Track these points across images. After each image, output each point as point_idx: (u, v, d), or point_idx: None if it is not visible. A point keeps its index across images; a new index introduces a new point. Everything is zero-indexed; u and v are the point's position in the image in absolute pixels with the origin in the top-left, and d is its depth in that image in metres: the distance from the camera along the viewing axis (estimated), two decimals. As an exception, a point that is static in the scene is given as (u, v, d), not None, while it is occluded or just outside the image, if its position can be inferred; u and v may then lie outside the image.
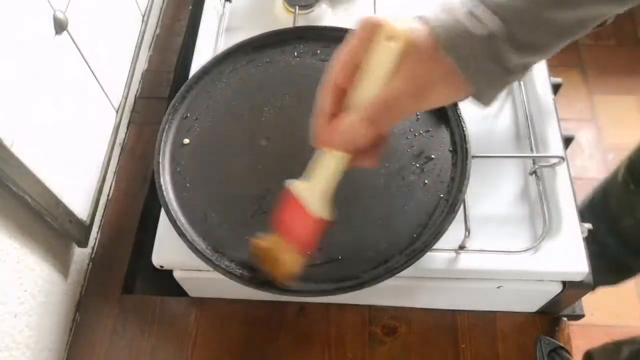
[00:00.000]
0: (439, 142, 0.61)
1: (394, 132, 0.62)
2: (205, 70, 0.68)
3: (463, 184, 0.57)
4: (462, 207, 0.58)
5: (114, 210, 0.74)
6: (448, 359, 0.63)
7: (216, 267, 0.55)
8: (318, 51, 0.70)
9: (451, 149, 0.60)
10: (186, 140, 0.64)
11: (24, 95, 0.54)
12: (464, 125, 0.60)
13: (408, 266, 0.53)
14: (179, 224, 0.57)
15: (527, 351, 0.63)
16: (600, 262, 0.90)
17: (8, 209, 0.54)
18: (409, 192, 0.58)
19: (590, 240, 0.59)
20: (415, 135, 0.62)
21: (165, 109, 0.66)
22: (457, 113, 0.61)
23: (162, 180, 0.60)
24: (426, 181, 0.58)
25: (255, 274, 0.54)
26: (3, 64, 0.51)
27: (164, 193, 0.59)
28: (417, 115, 0.63)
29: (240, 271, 0.55)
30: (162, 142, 0.63)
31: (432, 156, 0.60)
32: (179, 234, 0.56)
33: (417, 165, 0.60)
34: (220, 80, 0.68)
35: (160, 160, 0.61)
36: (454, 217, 0.55)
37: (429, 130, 0.62)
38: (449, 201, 0.56)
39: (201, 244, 0.56)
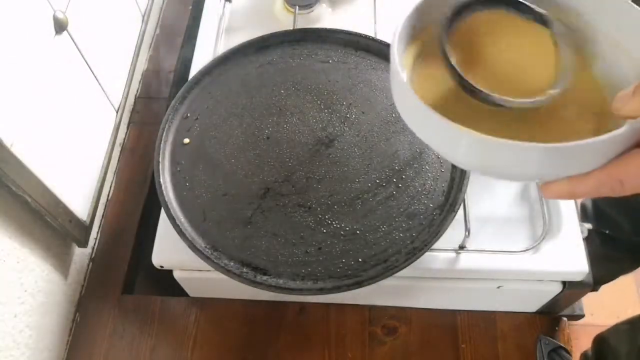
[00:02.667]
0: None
1: (393, 132, 0.62)
2: (206, 71, 0.69)
3: (463, 184, 0.57)
4: (462, 207, 0.58)
5: (114, 210, 0.74)
6: (448, 359, 0.63)
7: (215, 265, 0.55)
8: (318, 52, 0.70)
9: None
10: (186, 140, 0.64)
11: (24, 95, 0.54)
12: None
13: (407, 265, 0.53)
14: (178, 223, 0.57)
15: (527, 351, 0.63)
16: (616, 249, 0.88)
17: (8, 209, 0.54)
18: (409, 192, 0.58)
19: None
20: (415, 136, 0.62)
21: (165, 109, 0.66)
22: None
23: (162, 180, 0.60)
24: (426, 181, 0.58)
25: (254, 272, 0.54)
26: (3, 64, 0.51)
27: (164, 192, 0.59)
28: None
29: (239, 270, 0.55)
30: (162, 142, 0.63)
31: (432, 156, 0.60)
32: (178, 233, 0.56)
33: (417, 165, 0.60)
34: (220, 80, 0.68)
35: (160, 160, 0.62)
36: (454, 216, 0.55)
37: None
38: (449, 201, 0.57)
39: (200, 243, 0.56)
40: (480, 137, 0.28)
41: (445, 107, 0.34)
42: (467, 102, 0.35)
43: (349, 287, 0.53)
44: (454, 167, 0.59)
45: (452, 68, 0.34)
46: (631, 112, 0.28)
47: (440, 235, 0.54)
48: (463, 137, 0.29)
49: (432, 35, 0.37)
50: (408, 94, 0.32)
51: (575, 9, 0.35)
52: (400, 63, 0.34)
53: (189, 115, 0.66)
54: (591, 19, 0.35)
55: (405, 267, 0.53)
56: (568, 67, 0.35)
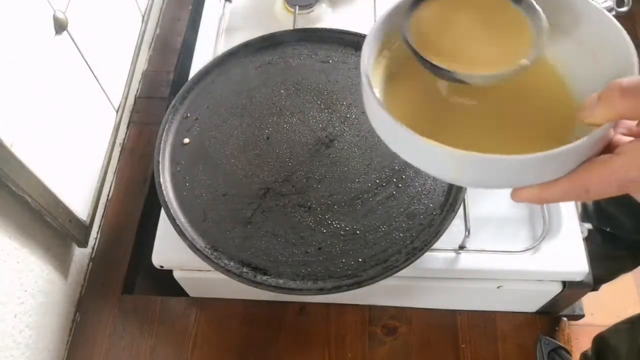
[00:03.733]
0: (439, 142, 0.61)
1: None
2: (206, 71, 0.69)
3: None
4: (462, 207, 0.58)
5: (114, 210, 0.74)
6: (448, 359, 0.63)
7: (215, 265, 0.55)
8: (318, 52, 0.70)
9: None
10: (186, 140, 0.64)
11: (24, 95, 0.54)
12: None
13: (407, 265, 0.53)
14: (178, 223, 0.57)
15: (527, 351, 0.63)
16: (617, 247, 0.88)
17: (8, 209, 0.54)
18: (409, 192, 0.58)
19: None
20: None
21: (166, 109, 0.66)
22: None
23: (162, 180, 0.60)
24: (426, 181, 0.58)
25: (254, 272, 0.54)
26: (3, 64, 0.51)
27: (164, 192, 0.59)
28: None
29: (239, 270, 0.55)
30: (163, 142, 0.63)
31: None
32: (178, 233, 0.56)
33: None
34: (220, 80, 0.68)
35: (160, 160, 0.62)
36: (454, 216, 0.55)
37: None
38: (449, 201, 0.57)
39: (200, 243, 0.56)
40: (450, 151, 0.28)
41: (420, 118, 0.35)
42: (441, 111, 0.36)
43: (349, 287, 0.53)
44: None
45: (413, 51, 0.34)
46: (596, 120, 0.28)
47: (440, 235, 0.54)
48: (437, 151, 0.29)
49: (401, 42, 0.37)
50: (381, 112, 0.32)
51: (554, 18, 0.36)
52: (368, 74, 0.34)
53: (189, 115, 0.66)
54: (565, 24, 0.36)
55: (405, 267, 0.53)
56: (538, 41, 0.34)
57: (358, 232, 0.56)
